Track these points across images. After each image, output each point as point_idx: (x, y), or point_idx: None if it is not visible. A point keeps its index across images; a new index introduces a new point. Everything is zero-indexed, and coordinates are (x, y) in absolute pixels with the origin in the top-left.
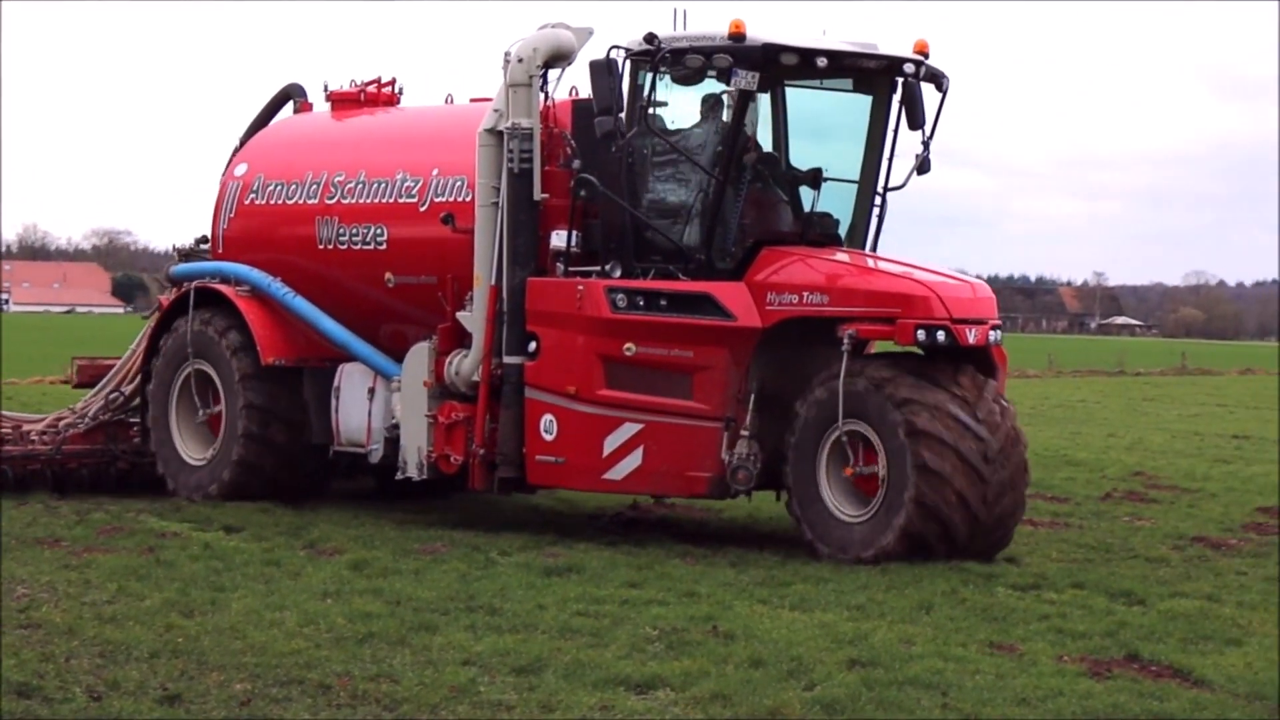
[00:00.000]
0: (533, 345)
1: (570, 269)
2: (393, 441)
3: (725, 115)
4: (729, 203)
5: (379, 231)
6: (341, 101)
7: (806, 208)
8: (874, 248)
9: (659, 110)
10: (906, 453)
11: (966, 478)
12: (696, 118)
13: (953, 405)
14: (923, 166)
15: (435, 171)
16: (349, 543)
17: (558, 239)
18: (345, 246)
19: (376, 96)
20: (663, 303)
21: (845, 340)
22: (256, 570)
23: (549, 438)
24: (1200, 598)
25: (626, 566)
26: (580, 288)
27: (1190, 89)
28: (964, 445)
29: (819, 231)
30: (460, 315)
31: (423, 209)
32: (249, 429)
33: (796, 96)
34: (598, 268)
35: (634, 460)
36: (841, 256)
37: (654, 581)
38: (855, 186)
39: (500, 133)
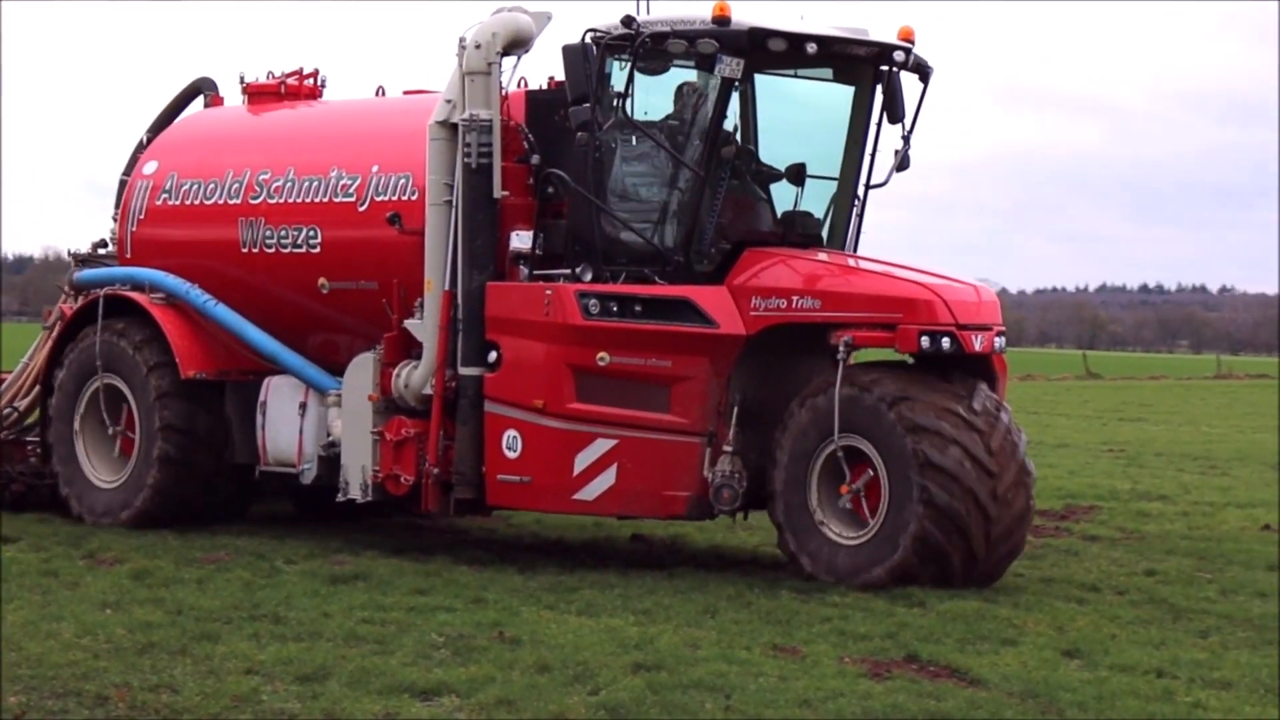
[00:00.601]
0: (493, 355)
1: (535, 272)
2: (329, 461)
3: (706, 105)
4: (708, 200)
5: (311, 233)
6: (259, 95)
7: (788, 206)
8: (855, 249)
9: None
10: (914, 486)
11: (974, 517)
12: (667, 108)
13: (968, 437)
14: (903, 163)
15: (375, 168)
16: (130, 552)
17: (519, 240)
18: (272, 250)
19: (298, 90)
20: (638, 308)
21: (841, 348)
22: (33, 581)
23: (512, 455)
24: (978, 599)
25: (414, 574)
26: (548, 292)
27: (973, 99)
28: (979, 486)
29: (800, 232)
30: (409, 323)
31: (362, 208)
32: (166, 451)
33: (768, 86)
34: (565, 271)
35: (607, 479)
36: (828, 258)
37: (441, 588)
38: (835, 184)
39: (454, 125)
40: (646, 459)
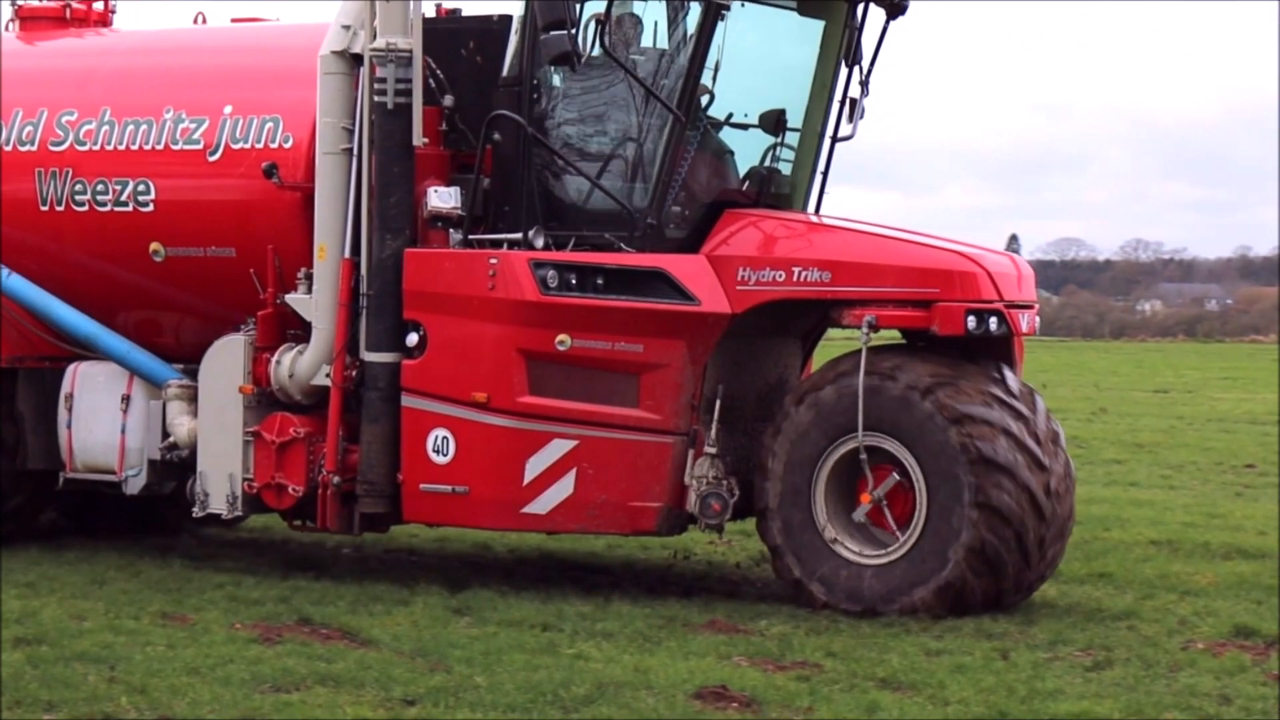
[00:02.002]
0: (413, 338)
1: (472, 237)
2: (167, 467)
3: (683, 37)
4: (682, 153)
5: (141, 188)
6: (36, 20)
7: (754, 161)
8: (817, 211)
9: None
10: (965, 487)
11: (1030, 518)
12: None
13: (1017, 425)
14: (860, 112)
15: (228, 109)
16: None
17: (439, 198)
18: (84, 208)
19: (86, 15)
20: (600, 281)
21: (864, 330)
22: None
23: (441, 460)
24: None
25: None
26: (493, 261)
27: None
28: (1034, 481)
29: (774, 192)
30: (291, 299)
31: (213, 158)
32: None
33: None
34: (508, 236)
35: (564, 488)
36: (828, 221)
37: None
38: (797, 135)
39: (356, 57)
40: (611, 463)
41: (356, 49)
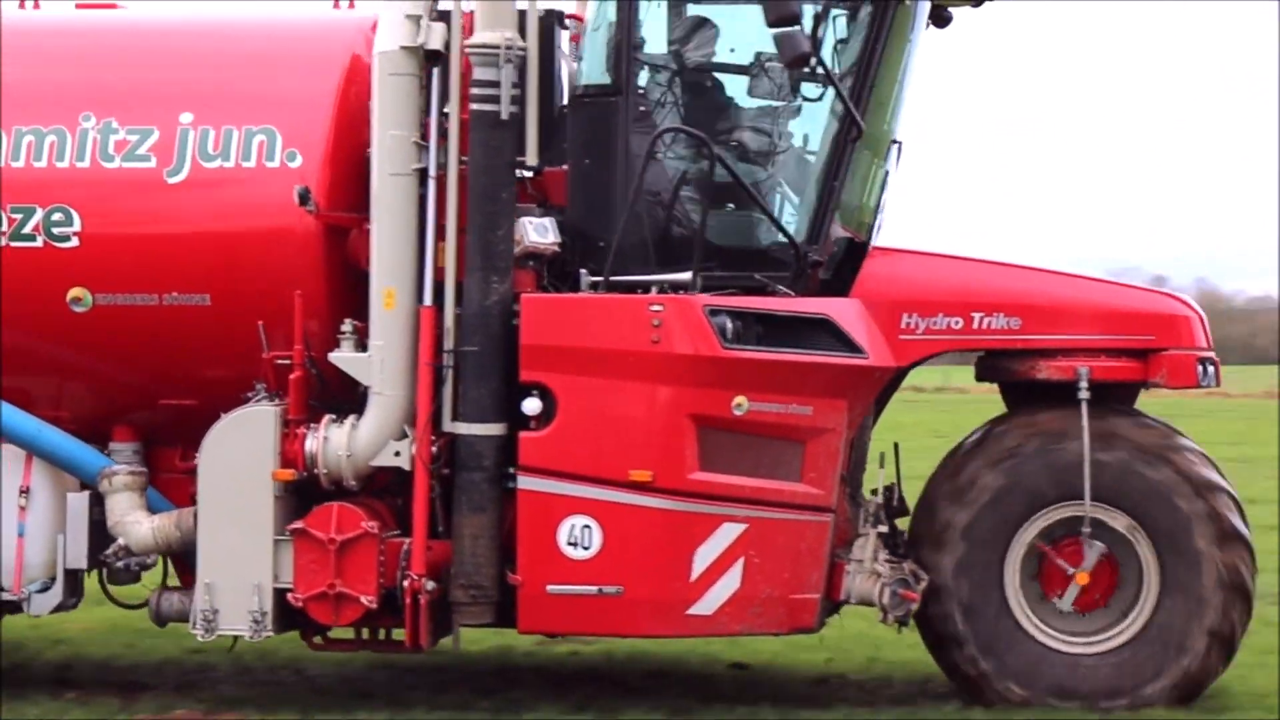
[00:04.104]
0: (534, 404)
1: (609, 279)
2: (74, 579)
3: (856, 36)
4: (843, 176)
5: (57, 218)
6: None
7: (882, 192)
8: None
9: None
10: (1210, 563)
11: (1250, 592)
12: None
13: (1229, 493)
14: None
15: (188, 119)
16: None
17: (536, 231)
18: None
19: None
20: (761, 330)
21: (1082, 382)
22: None
23: (581, 555)
24: None
25: None
26: (657, 308)
27: None
28: (1250, 554)
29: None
30: (340, 358)
31: (175, 179)
32: None
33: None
34: (670, 277)
35: (730, 582)
36: (981, 258)
37: None
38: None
39: (432, 54)
40: (776, 549)
41: (435, 44)
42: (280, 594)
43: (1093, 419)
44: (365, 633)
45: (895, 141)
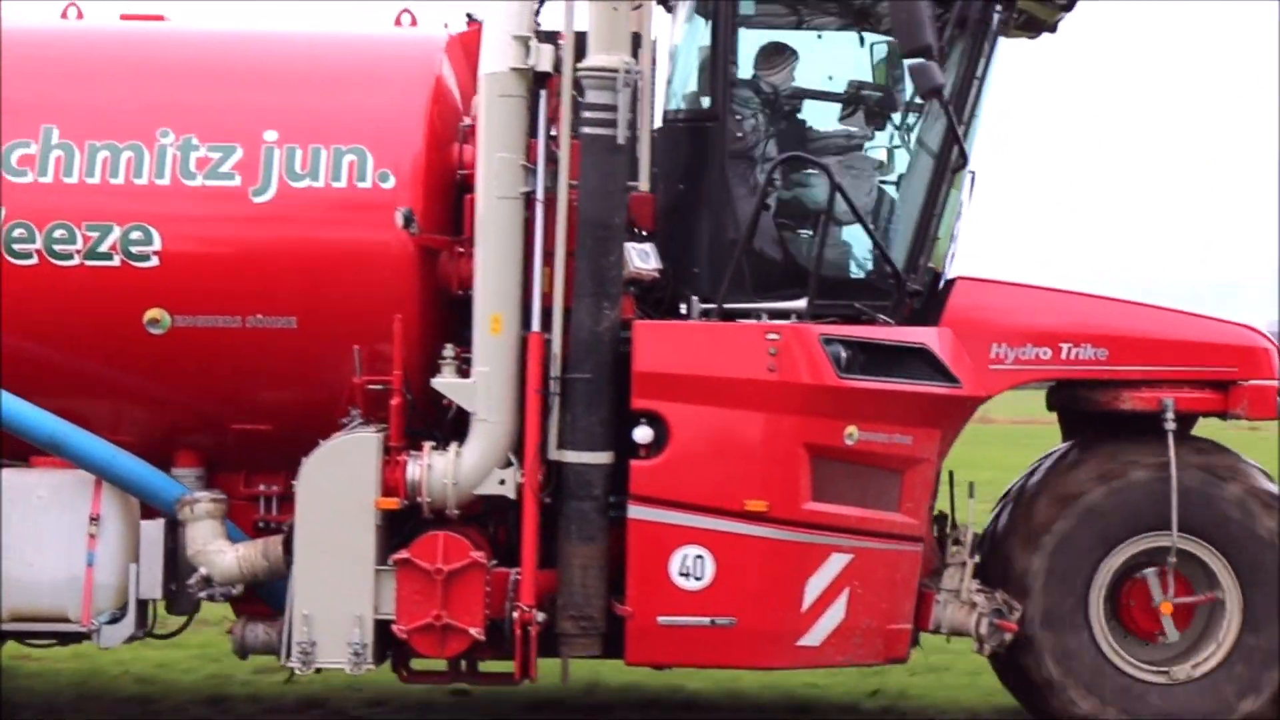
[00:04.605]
0: (646, 433)
1: (723, 306)
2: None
3: (959, 65)
4: (942, 205)
5: (136, 237)
6: None
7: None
8: None
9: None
10: None
11: None
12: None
13: None
14: None
15: (272, 136)
16: None
17: (640, 257)
18: (28, 261)
19: None
20: (864, 359)
21: (1169, 414)
22: None
23: (694, 585)
24: None
25: None
26: (774, 336)
27: None
28: None
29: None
30: (444, 384)
31: (261, 199)
32: None
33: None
34: (782, 305)
35: (836, 613)
36: (1057, 287)
37: None
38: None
39: (540, 76)
40: (876, 580)
41: (545, 66)
42: (380, 625)
43: (1161, 447)
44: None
45: (970, 171)
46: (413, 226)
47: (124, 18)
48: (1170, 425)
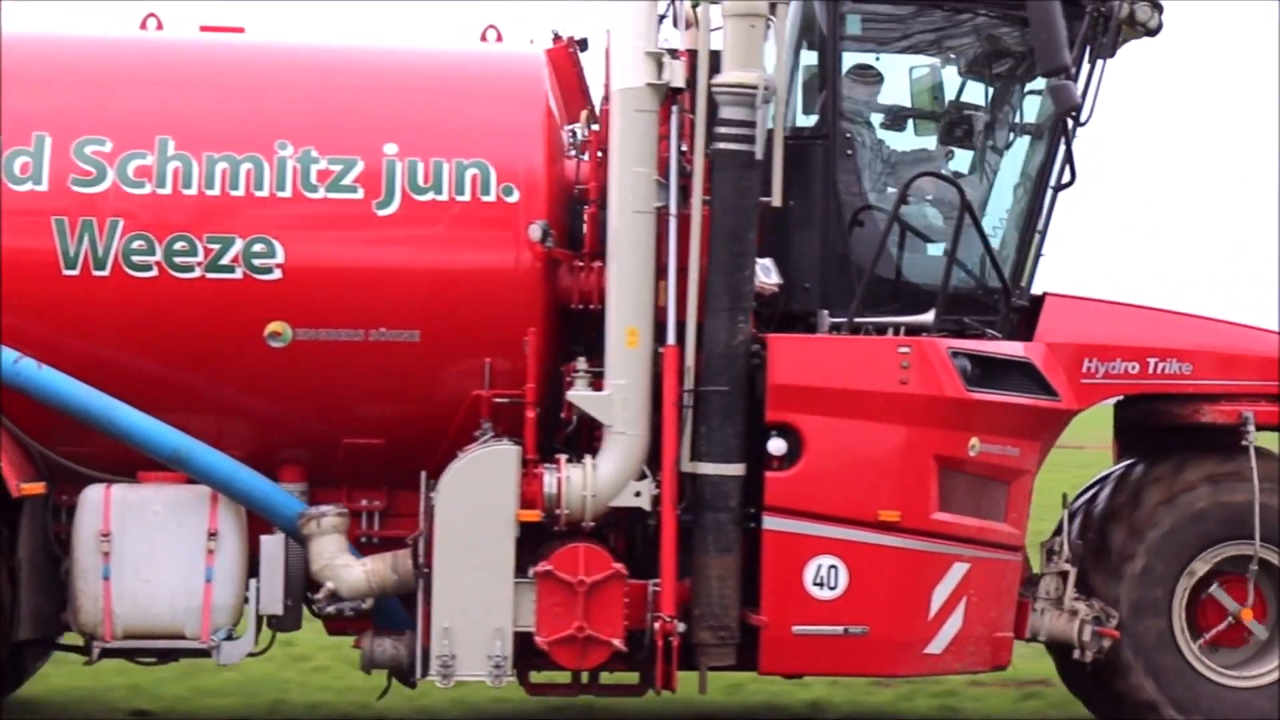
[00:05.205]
0: (779, 444)
1: (856, 317)
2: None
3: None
4: (1048, 222)
5: (259, 249)
6: None
7: None
8: None
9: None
10: None
11: None
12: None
13: None
14: None
15: (392, 149)
16: None
17: (763, 272)
18: (148, 273)
19: None
20: (980, 373)
21: (1249, 426)
22: None
23: (827, 595)
24: None
25: None
26: (905, 350)
27: None
28: None
29: None
30: (579, 397)
31: (384, 211)
32: None
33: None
34: (910, 320)
35: (955, 622)
36: (1138, 304)
37: None
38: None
39: (677, 92)
40: (988, 589)
41: (679, 82)
42: (519, 638)
43: (1226, 460)
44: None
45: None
46: (549, 240)
47: (203, 29)
48: (1252, 438)
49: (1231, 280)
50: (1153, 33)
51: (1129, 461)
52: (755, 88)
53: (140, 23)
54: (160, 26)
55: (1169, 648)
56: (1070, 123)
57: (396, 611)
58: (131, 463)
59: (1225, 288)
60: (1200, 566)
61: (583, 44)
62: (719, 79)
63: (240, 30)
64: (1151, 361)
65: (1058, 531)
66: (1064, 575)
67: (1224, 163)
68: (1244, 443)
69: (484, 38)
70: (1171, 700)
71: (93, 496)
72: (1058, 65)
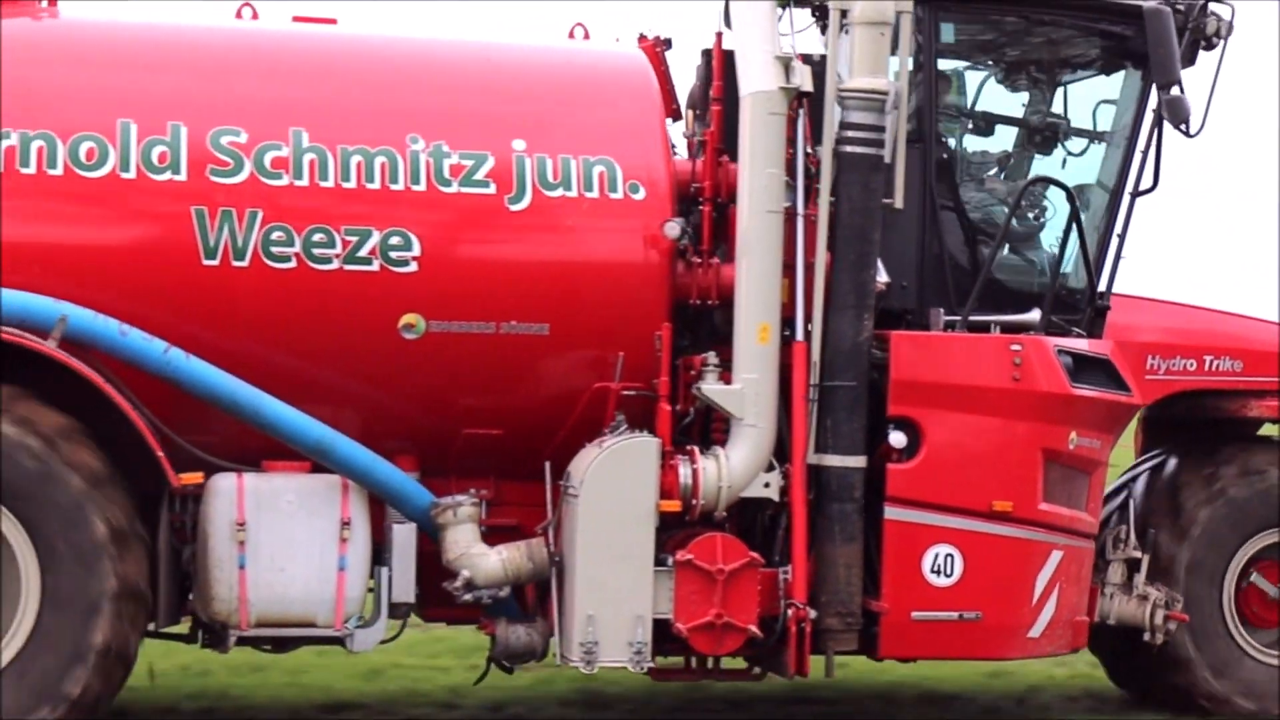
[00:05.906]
0: (900, 438)
1: (970, 317)
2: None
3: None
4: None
5: (396, 241)
6: None
7: None
8: None
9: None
10: None
11: None
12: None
13: None
14: None
15: (521, 145)
16: None
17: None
18: (287, 264)
19: None
20: (1074, 370)
21: None
22: None
23: (944, 582)
24: None
25: None
26: (1017, 347)
27: None
28: None
29: None
30: (713, 391)
31: (517, 207)
32: (111, 641)
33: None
34: (1018, 318)
35: (1051, 607)
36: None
37: None
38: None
39: (805, 96)
40: (1073, 575)
41: (808, 86)
42: (657, 625)
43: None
44: (694, 661)
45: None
46: (684, 238)
47: (296, 20)
48: None
49: (1231, 277)
50: (1211, 46)
51: (1157, 453)
52: (885, 93)
53: (235, 12)
54: (255, 16)
55: (1223, 637)
56: (1160, 132)
57: (508, 600)
58: (245, 451)
59: (1226, 283)
60: (1247, 550)
61: (668, 43)
62: (848, 84)
63: (333, 21)
64: (1208, 359)
65: (1119, 520)
66: (1130, 562)
67: (1224, 163)
68: None
69: (571, 35)
70: (1238, 688)
71: (224, 485)
72: (1173, 78)
